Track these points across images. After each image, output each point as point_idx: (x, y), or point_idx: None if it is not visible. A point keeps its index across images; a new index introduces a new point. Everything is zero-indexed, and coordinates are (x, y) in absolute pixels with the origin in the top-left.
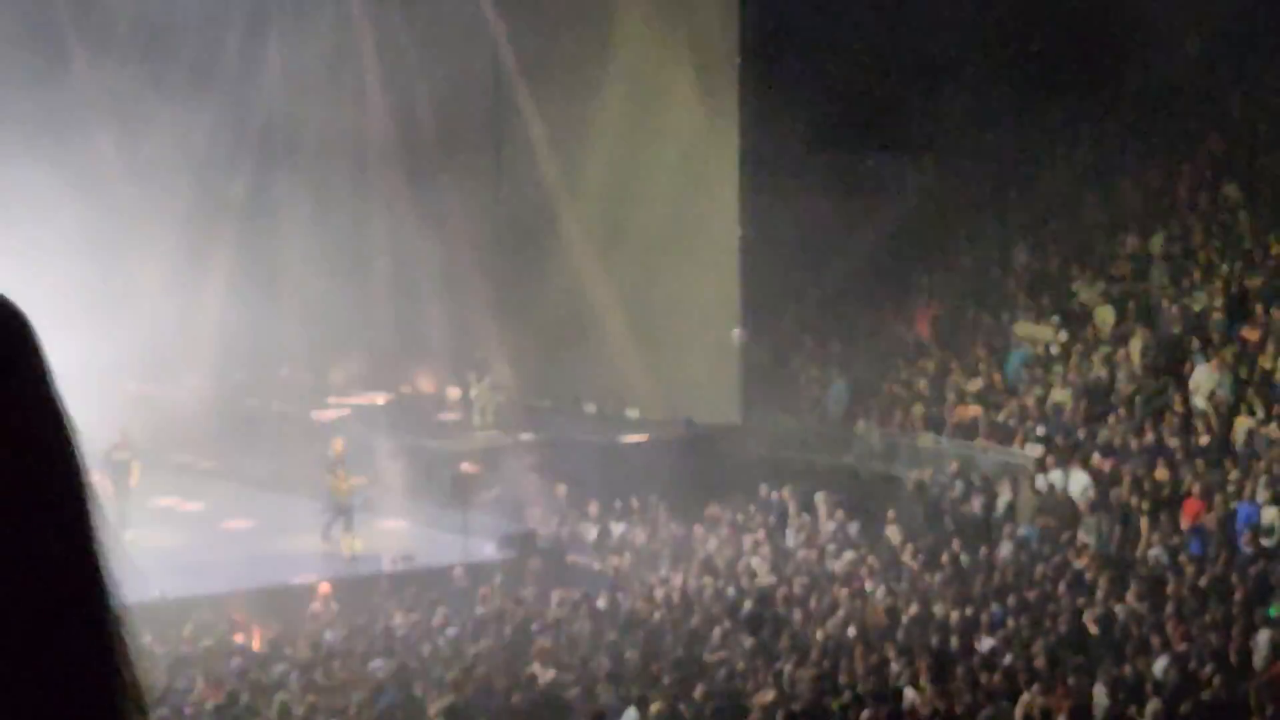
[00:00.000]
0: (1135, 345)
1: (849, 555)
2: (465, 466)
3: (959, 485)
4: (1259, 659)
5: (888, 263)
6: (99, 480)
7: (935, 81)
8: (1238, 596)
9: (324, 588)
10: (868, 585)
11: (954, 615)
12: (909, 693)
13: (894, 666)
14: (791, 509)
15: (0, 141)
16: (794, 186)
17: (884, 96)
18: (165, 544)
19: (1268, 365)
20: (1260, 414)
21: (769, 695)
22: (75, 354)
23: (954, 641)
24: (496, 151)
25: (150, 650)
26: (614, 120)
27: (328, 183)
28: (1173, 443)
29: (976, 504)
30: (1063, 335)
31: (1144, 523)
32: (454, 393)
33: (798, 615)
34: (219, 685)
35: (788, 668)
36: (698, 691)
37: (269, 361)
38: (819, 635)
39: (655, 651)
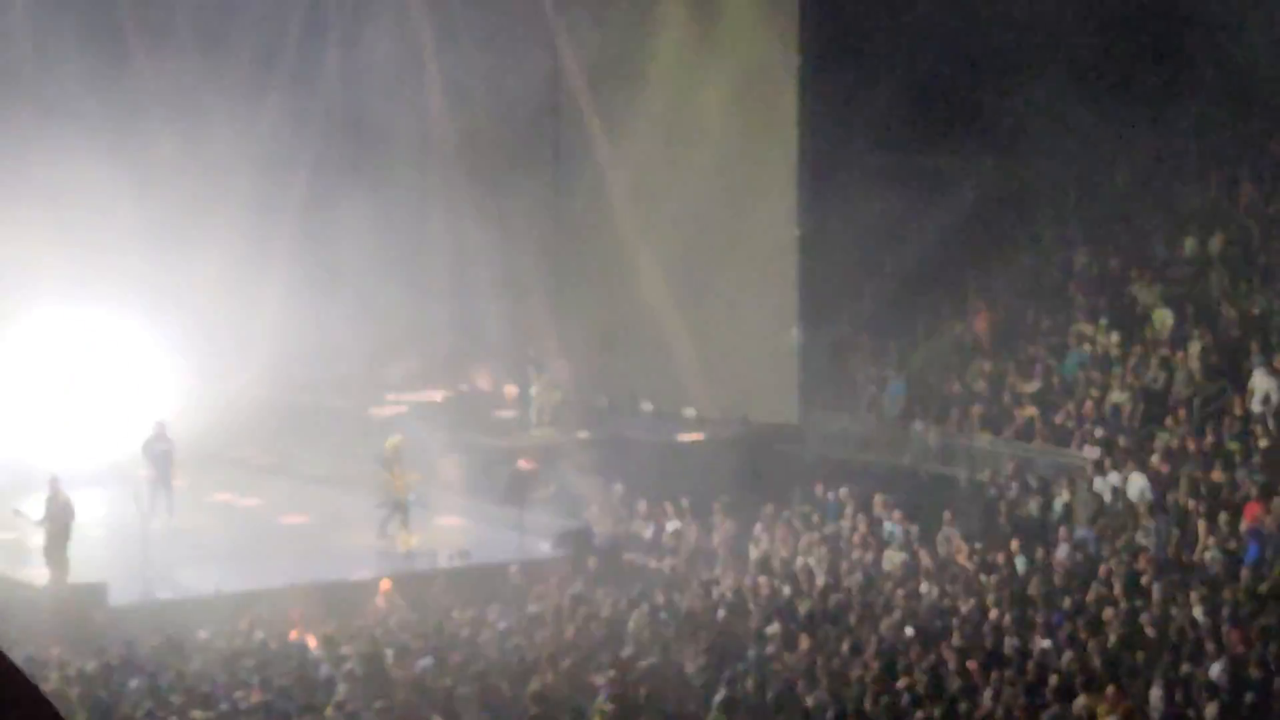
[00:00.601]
0: (1194, 348)
1: (905, 556)
2: (522, 464)
3: (1016, 487)
4: None
5: (946, 263)
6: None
7: (996, 82)
8: None
9: (385, 584)
10: (923, 586)
11: (1010, 617)
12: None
13: (950, 667)
14: (848, 509)
15: (62, 136)
16: (852, 186)
17: (944, 97)
18: (222, 539)
19: None
20: None
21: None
22: (135, 347)
23: (1010, 643)
24: (555, 151)
25: (208, 644)
26: (672, 120)
27: (388, 180)
28: (1231, 446)
29: (1033, 505)
30: (1121, 337)
31: (1201, 526)
32: (511, 390)
33: (854, 615)
34: (274, 679)
35: (845, 667)
36: (755, 688)
37: (327, 358)
38: (875, 635)
39: (712, 649)
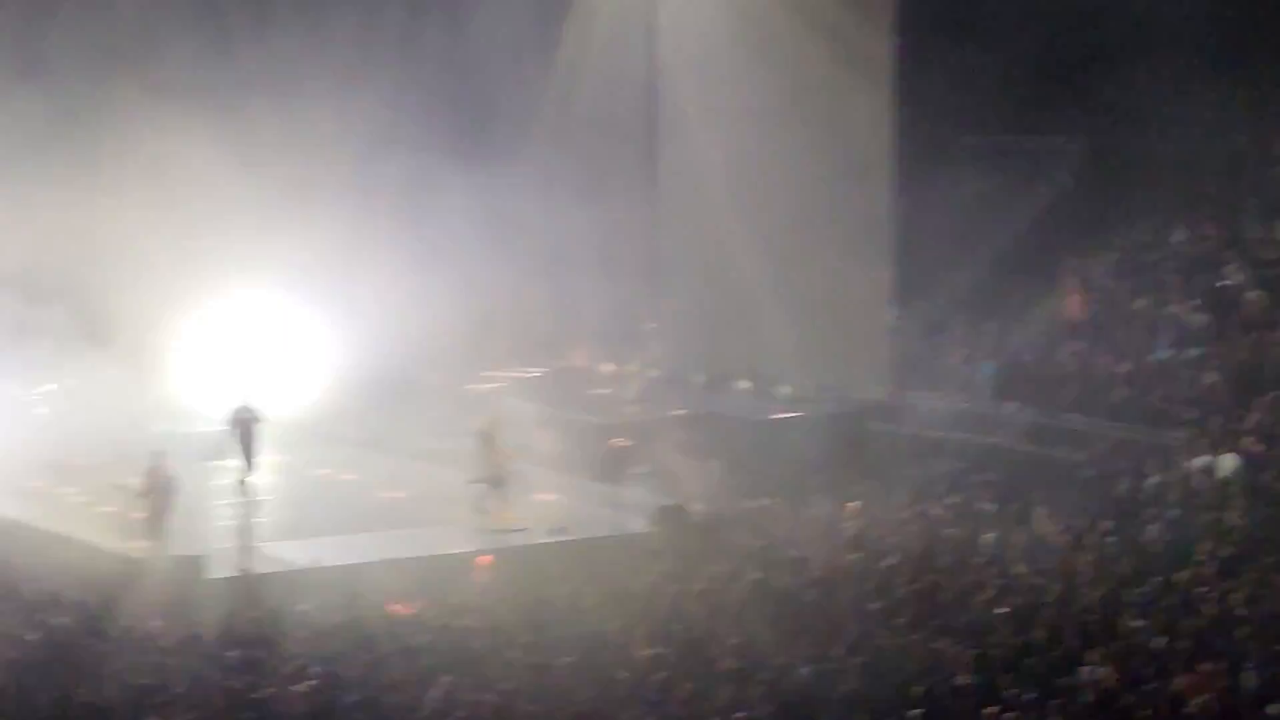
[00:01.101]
0: None
1: (997, 535)
2: (618, 441)
3: (1108, 466)
4: None
5: (1040, 243)
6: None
7: (1092, 64)
8: None
9: (483, 559)
10: (1015, 566)
11: (1101, 596)
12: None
13: (1042, 646)
14: (941, 488)
15: (168, 115)
16: (948, 166)
17: (1040, 77)
18: (321, 513)
19: None
20: None
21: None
22: (241, 322)
23: (1102, 622)
24: (652, 130)
25: (306, 618)
26: (769, 99)
27: (487, 159)
28: None
29: (1125, 485)
30: (1213, 318)
31: None
32: (608, 367)
33: (946, 594)
34: (372, 653)
35: (937, 647)
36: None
37: (426, 335)
38: (967, 615)
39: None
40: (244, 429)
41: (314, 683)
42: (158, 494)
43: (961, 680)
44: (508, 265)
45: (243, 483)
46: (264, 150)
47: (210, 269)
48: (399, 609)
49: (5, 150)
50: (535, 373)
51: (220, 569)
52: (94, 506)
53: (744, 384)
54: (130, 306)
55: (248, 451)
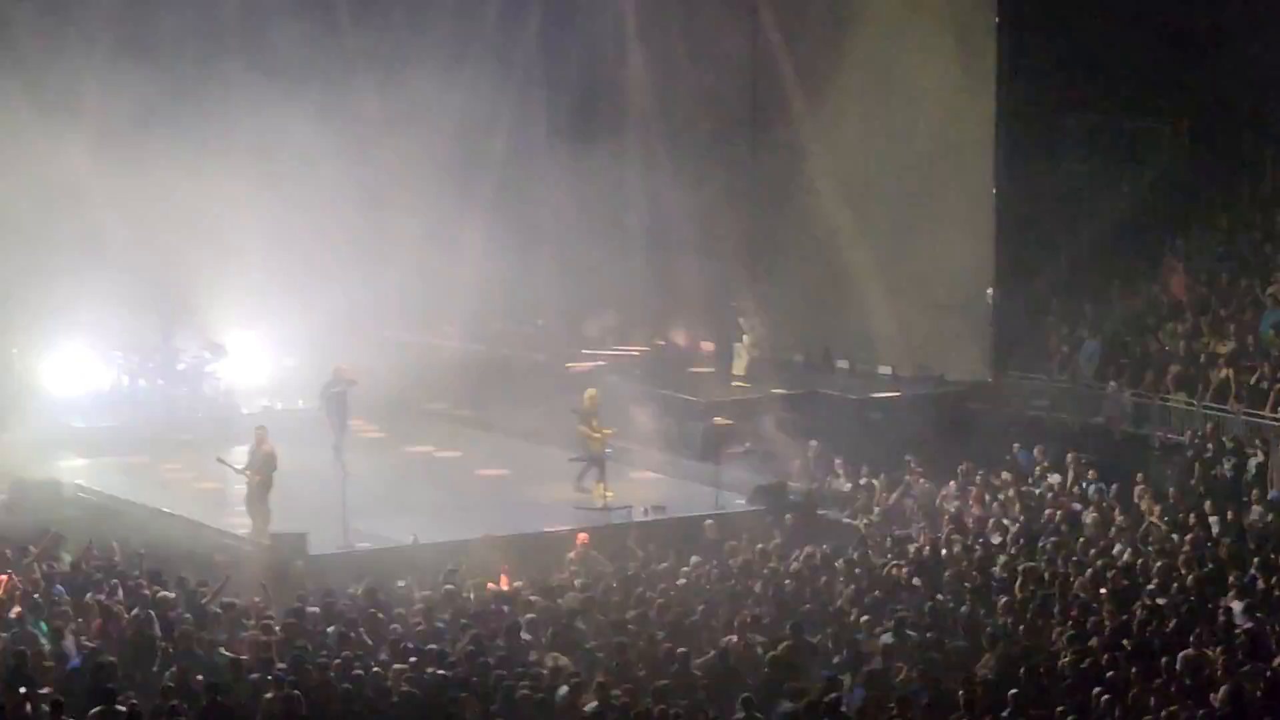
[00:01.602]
0: None
1: (1098, 515)
2: (718, 419)
3: (1210, 447)
4: None
5: (1142, 223)
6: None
7: (1195, 44)
8: None
9: (582, 537)
10: (1116, 546)
11: (1202, 577)
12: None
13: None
14: (1041, 468)
15: (271, 95)
16: (1050, 147)
17: (1142, 58)
18: (421, 490)
19: None
20: None
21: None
22: (337, 301)
23: (1203, 603)
24: (753, 110)
25: (406, 594)
26: (870, 79)
27: (586, 140)
28: None
29: (1227, 466)
30: None
31: None
32: (707, 346)
33: (1047, 575)
34: (471, 629)
35: (1039, 627)
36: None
37: (526, 313)
38: (1068, 595)
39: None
40: (336, 402)
41: (413, 660)
42: (258, 470)
43: (1063, 662)
44: (607, 244)
45: (338, 457)
46: (367, 129)
47: (312, 247)
48: (499, 586)
49: (112, 129)
50: (635, 351)
51: (321, 545)
52: (195, 482)
53: (843, 363)
54: (231, 283)
55: (340, 425)
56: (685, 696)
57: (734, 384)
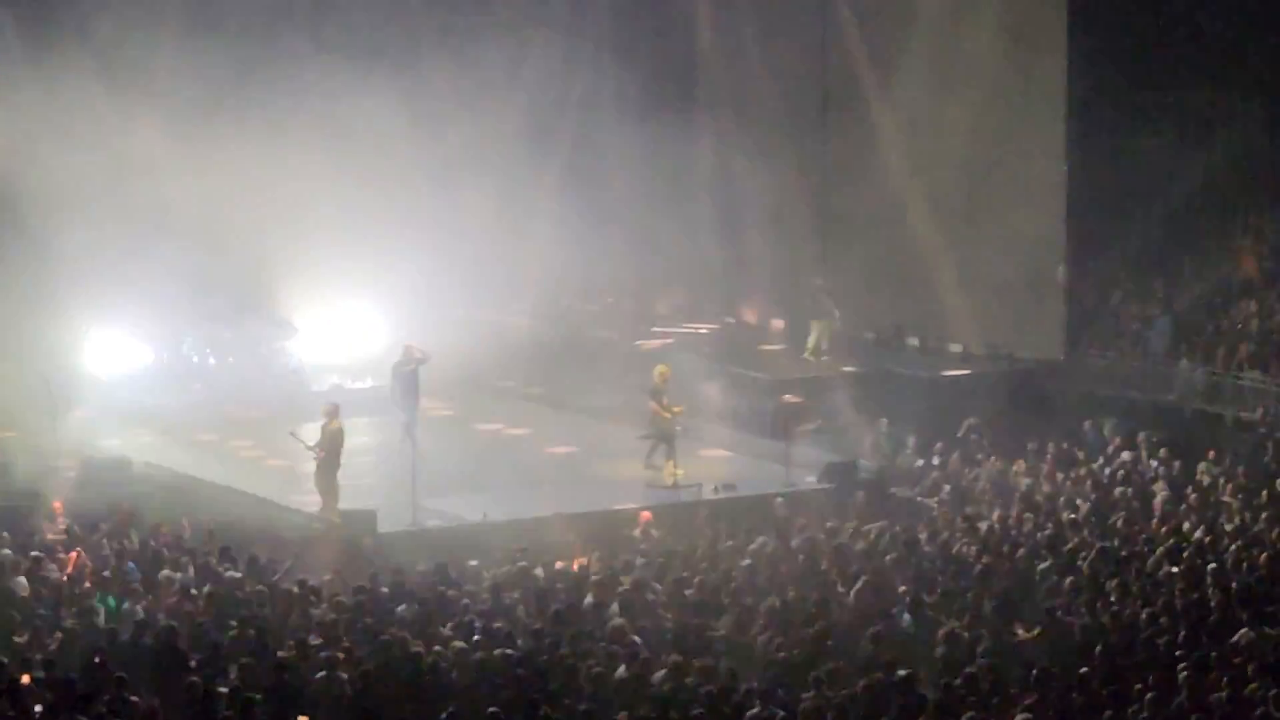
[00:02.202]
0: None
1: (1169, 493)
2: (788, 397)
3: None
4: None
5: (1215, 200)
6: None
7: (1271, 20)
8: None
9: (645, 515)
10: (1186, 523)
11: (1275, 555)
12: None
13: (1212, 604)
14: (1113, 446)
15: (340, 73)
16: (1121, 124)
17: (1218, 33)
18: (490, 468)
19: None
20: None
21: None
22: (408, 278)
23: (1271, 582)
24: (824, 88)
25: (476, 572)
26: (940, 55)
27: (656, 118)
28: None
29: None
30: None
31: None
32: (778, 324)
33: (1120, 553)
34: (541, 606)
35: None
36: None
37: (596, 290)
38: (1140, 573)
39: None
40: (407, 380)
41: (482, 638)
42: (327, 447)
43: (1132, 639)
44: (676, 221)
45: (408, 435)
46: (437, 106)
47: (383, 224)
48: (569, 564)
49: (183, 106)
50: (705, 329)
51: (390, 523)
52: (265, 460)
53: (914, 341)
54: (301, 260)
55: (411, 403)
56: (754, 674)
57: (808, 360)
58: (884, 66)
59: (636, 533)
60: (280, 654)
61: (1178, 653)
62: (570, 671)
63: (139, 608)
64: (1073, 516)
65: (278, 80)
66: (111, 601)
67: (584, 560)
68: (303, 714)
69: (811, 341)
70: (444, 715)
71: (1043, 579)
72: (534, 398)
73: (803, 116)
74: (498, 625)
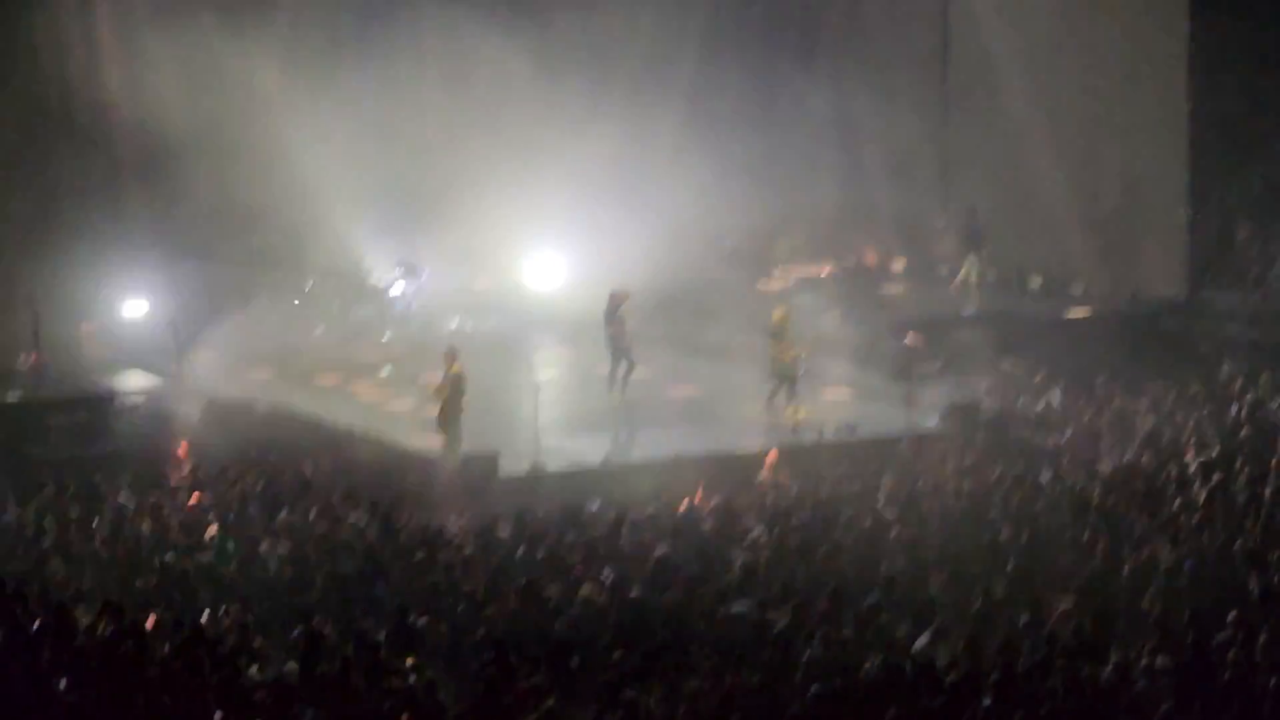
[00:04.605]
0: None
1: None
2: (909, 338)
3: None
4: None
5: None
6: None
7: None
8: None
9: (772, 455)
10: None
11: None
12: None
13: None
14: (1237, 386)
15: (459, 16)
16: (1243, 62)
17: None
18: (611, 411)
19: None
20: None
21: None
22: (529, 222)
23: None
24: (943, 29)
25: (598, 515)
26: None
27: (775, 59)
28: None
29: None
30: None
31: None
32: (898, 265)
33: (1241, 497)
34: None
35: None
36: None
37: (716, 233)
38: (1261, 516)
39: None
40: (617, 328)
41: (607, 580)
42: (449, 390)
43: (1254, 589)
44: (795, 163)
45: (613, 386)
46: (556, 52)
47: (502, 169)
48: (693, 505)
49: (303, 52)
50: (825, 270)
51: (512, 466)
52: (387, 403)
53: (1035, 282)
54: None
55: (619, 351)
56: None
57: (961, 299)
58: (1003, 6)
59: (765, 473)
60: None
61: None
62: (692, 613)
63: (261, 550)
64: (1197, 458)
65: (397, 24)
66: (231, 544)
67: (708, 501)
68: (419, 658)
69: (963, 275)
70: (572, 661)
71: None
72: (655, 339)
73: (922, 58)
74: (622, 568)
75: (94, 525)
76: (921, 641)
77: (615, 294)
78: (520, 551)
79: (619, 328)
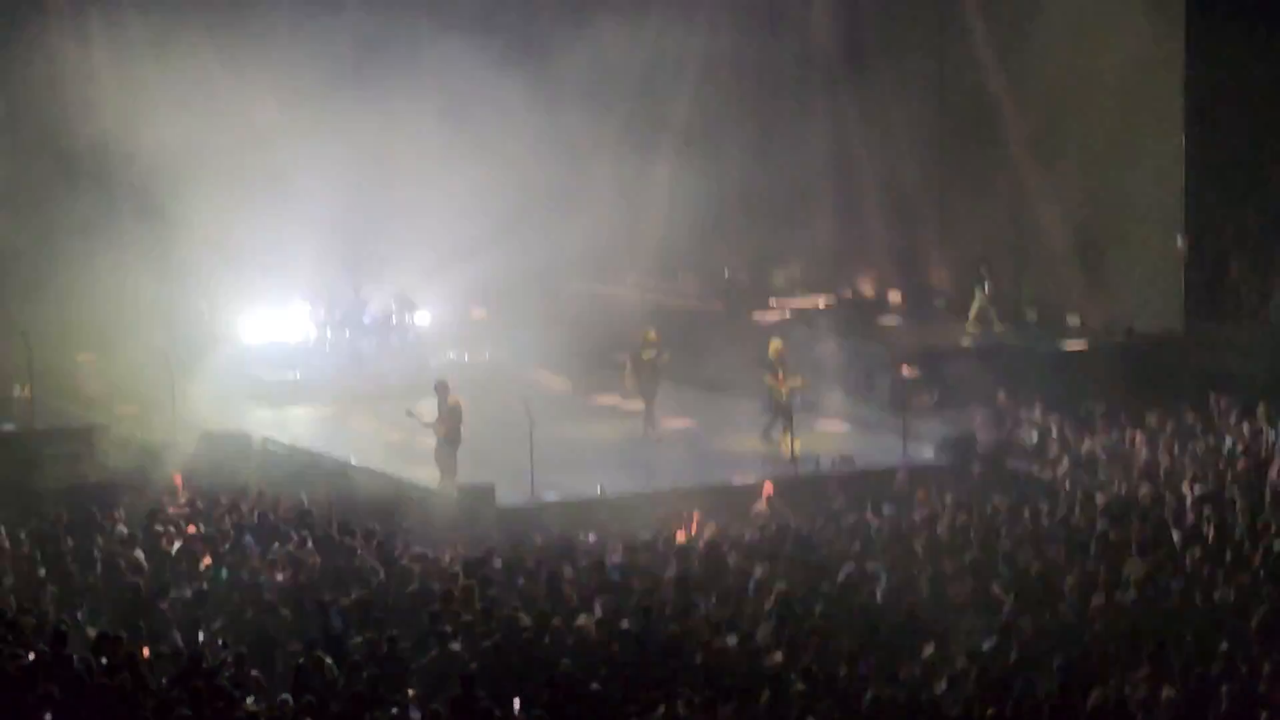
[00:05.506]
0: None
1: None
2: (905, 370)
3: None
4: None
5: None
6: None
7: None
8: None
9: (768, 487)
10: None
11: None
12: None
13: None
14: (1231, 419)
15: (456, 45)
16: (1240, 94)
17: None
18: (607, 442)
19: None
20: None
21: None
22: (525, 252)
23: None
24: (940, 60)
25: (593, 546)
26: (1058, 26)
27: (771, 89)
28: None
29: None
30: None
31: None
32: (894, 296)
33: (1238, 528)
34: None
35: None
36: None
37: (712, 264)
38: (1260, 547)
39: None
40: (648, 370)
41: (599, 612)
42: (446, 422)
43: (1257, 620)
44: (792, 194)
45: (649, 427)
46: (553, 81)
47: (500, 198)
48: (687, 537)
49: (301, 82)
50: (821, 302)
51: (508, 497)
52: (383, 434)
53: (1031, 314)
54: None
55: (650, 392)
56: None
57: (967, 330)
58: (1001, 38)
59: (762, 505)
60: (397, 628)
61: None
62: (681, 647)
63: (257, 581)
64: (1192, 490)
65: (394, 55)
66: (225, 574)
67: (703, 533)
68: (414, 689)
69: (974, 311)
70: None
71: (1158, 554)
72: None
73: (918, 87)
74: (615, 599)
75: (90, 555)
76: (917, 672)
77: (649, 336)
78: (515, 581)
79: (651, 369)
